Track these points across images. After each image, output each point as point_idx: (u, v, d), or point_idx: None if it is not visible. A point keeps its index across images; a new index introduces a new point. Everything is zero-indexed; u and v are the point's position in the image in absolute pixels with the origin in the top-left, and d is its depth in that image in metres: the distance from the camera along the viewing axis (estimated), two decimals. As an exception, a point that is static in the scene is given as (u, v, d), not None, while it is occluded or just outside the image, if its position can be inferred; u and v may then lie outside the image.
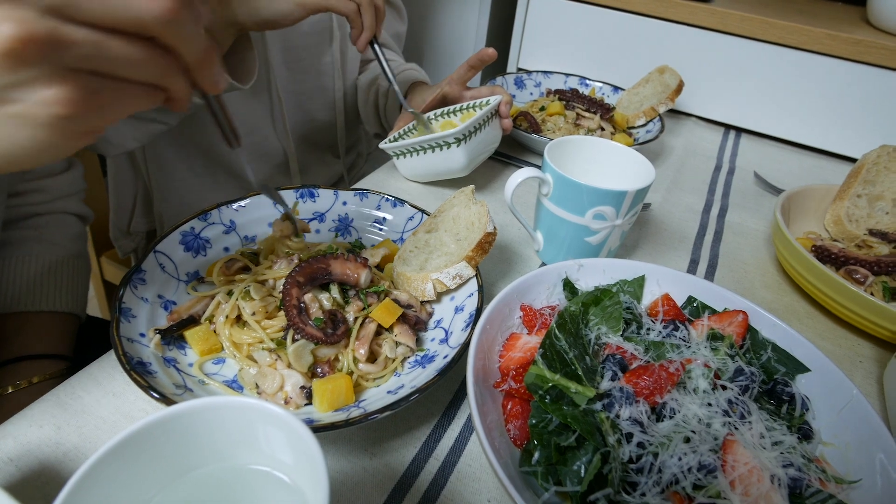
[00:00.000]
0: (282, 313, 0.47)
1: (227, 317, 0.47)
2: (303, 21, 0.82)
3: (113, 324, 0.43)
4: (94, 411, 0.43)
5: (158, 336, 0.45)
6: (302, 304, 0.46)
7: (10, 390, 0.57)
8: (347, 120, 0.99)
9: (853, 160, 1.01)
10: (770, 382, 0.44)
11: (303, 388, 0.43)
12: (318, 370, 0.45)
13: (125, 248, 0.97)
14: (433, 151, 0.71)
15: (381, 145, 0.75)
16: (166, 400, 0.37)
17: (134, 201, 0.93)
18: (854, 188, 0.72)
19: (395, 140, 0.77)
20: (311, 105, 0.92)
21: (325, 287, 0.49)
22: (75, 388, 0.45)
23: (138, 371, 0.40)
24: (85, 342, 0.69)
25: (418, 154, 0.72)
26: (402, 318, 0.49)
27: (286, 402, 0.43)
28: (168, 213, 0.91)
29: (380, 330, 0.48)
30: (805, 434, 0.41)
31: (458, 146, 0.69)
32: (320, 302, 0.47)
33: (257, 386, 0.44)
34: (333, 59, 0.90)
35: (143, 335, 0.45)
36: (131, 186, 0.92)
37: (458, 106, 0.80)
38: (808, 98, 1.01)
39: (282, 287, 0.46)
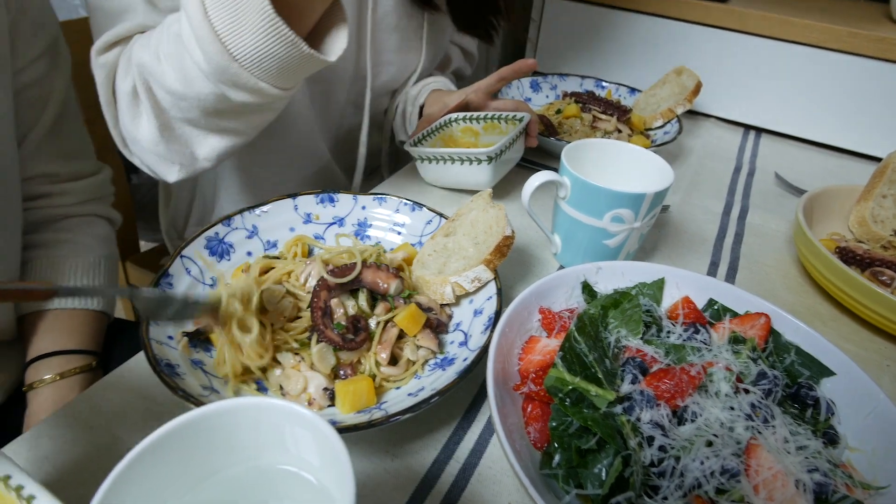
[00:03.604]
0: (305, 314, 0.48)
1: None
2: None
3: (143, 326, 0.44)
4: (124, 412, 0.45)
5: (186, 339, 0.46)
6: (328, 308, 0.47)
7: (38, 386, 0.59)
8: (370, 151, 0.96)
9: (878, 160, 0.99)
10: (794, 386, 0.43)
11: (325, 389, 0.44)
12: (342, 372, 0.46)
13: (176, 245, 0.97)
14: (461, 164, 0.72)
15: (407, 147, 0.76)
16: (194, 401, 0.38)
17: (190, 207, 0.92)
18: (879, 188, 0.70)
19: (419, 141, 0.77)
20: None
21: (353, 293, 0.50)
22: (106, 389, 0.46)
23: (167, 373, 0.41)
24: (111, 342, 0.71)
25: (445, 163, 0.73)
26: (424, 322, 0.49)
27: (309, 404, 0.44)
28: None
29: (402, 333, 0.49)
30: (831, 439, 0.40)
31: (487, 164, 0.70)
32: (345, 307, 0.48)
33: (281, 387, 0.45)
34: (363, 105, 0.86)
35: (170, 338, 0.46)
36: (188, 192, 0.90)
37: (482, 114, 0.80)
38: (830, 97, 0.99)
39: (311, 285, 0.48)
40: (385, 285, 0.50)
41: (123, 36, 0.57)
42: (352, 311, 0.48)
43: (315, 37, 0.52)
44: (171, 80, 0.51)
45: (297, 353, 0.46)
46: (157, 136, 0.56)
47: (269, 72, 0.48)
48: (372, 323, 0.49)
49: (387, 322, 0.49)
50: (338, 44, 0.51)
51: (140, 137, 0.57)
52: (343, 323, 0.47)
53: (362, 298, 0.49)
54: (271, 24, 0.44)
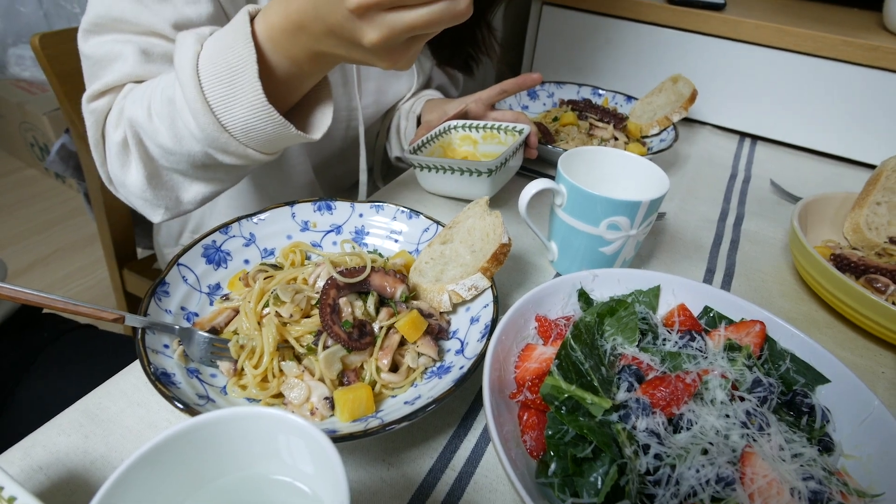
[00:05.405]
0: (315, 313, 0.49)
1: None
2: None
3: (139, 335, 0.44)
4: (119, 421, 0.44)
5: (182, 347, 0.46)
6: (336, 305, 0.48)
7: None
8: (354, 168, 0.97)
9: (872, 167, 1.00)
10: (789, 394, 0.43)
11: (326, 399, 0.44)
12: (346, 379, 0.46)
13: (167, 257, 0.98)
14: (461, 174, 0.72)
15: (406, 154, 0.76)
16: (190, 410, 0.38)
17: (186, 217, 0.93)
18: (873, 195, 0.71)
19: (419, 148, 0.77)
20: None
21: (361, 295, 0.51)
22: (101, 398, 0.46)
23: (163, 381, 0.41)
24: (108, 349, 0.70)
25: (445, 172, 0.73)
26: (425, 329, 0.49)
27: (312, 414, 0.44)
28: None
29: (403, 340, 0.49)
30: (826, 446, 0.40)
31: (487, 176, 0.70)
32: (353, 308, 0.49)
33: (283, 396, 0.45)
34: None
35: (166, 346, 0.46)
36: None
37: (480, 123, 0.80)
38: (825, 105, 1.00)
39: (320, 286, 0.49)
40: (392, 289, 0.51)
41: (113, 85, 0.59)
42: (359, 313, 0.49)
43: (303, 107, 0.56)
44: (162, 138, 0.53)
45: (300, 362, 0.46)
46: (144, 184, 0.59)
47: (258, 142, 0.52)
48: (375, 327, 0.49)
49: (389, 328, 0.49)
50: (324, 120, 0.55)
51: (128, 183, 0.59)
52: (350, 321, 0.47)
53: (371, 301, 0.50)
54: (262, 107, 0.48)
